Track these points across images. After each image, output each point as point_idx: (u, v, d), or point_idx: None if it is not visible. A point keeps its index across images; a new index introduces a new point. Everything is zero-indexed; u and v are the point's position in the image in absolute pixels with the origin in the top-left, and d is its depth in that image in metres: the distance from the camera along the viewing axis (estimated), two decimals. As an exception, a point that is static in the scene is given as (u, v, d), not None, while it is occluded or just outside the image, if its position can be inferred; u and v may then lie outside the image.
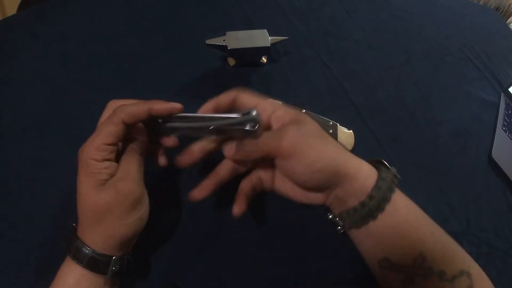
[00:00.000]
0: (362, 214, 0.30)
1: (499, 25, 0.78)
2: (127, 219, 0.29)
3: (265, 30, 0.51)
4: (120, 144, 0.31)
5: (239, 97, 0.34)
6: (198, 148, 0.34)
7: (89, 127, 0.44)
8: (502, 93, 0.62)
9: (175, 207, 0.40)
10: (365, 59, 0.60)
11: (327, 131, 0.46)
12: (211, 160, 0.37)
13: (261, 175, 0.34)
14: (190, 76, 0.51)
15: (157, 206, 0.40)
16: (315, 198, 0.33)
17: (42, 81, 0.48)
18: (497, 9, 1.44)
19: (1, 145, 0.42)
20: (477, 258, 0.42)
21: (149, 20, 0.58)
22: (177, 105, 0.32)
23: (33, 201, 0.39)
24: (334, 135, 0.46)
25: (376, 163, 0.33)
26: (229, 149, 0.33)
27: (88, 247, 0.28)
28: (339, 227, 0.33)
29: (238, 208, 0.33)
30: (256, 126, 0.30)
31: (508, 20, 1.44)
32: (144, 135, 0.33)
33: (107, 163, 0.29)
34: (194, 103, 0.50)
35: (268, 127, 0.33)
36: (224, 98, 0.34)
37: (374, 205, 0.29)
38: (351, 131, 0.48)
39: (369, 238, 0.32)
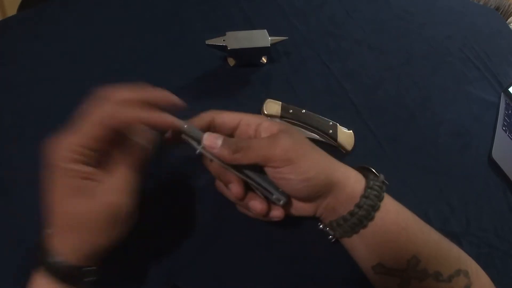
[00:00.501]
0: (351, 223, 0.30)
1: (499, 25, 0.78)
2: (109, 232, 0.27)
3: (265, 30, 0.51)
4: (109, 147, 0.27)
5: (217, 118, 0.33)
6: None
7: (89, 127, 0.45)
8: (502, 93, 0.62)
9: (175, 207, 0.40)
10: (365, 59, 0.60)
11: (327, 131, 0.46)
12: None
13: None
14: (190, 76, 0.51)
15: (157, 206, 0.40)
16: (306, 209, 0.33)
17: (42, 81, 0.48)
18: (497, 9, 1.44)
19: (1, 145, 0.42)
20: (477, 258, 0.43)
21: (149, 20, 0.58)
22: (179, 123, 0.30)
23: (33, 201, 0.39)
24: (334, 135, 0.46)
25: (364, 171, 0.33)
26: (225, 151, 0.32)
27: (60, 257, 0.26)
28: (330, 236, 0.34)
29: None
30: (281, 201, 0.32)
31: (508, 20, 1.44)
32: (149, 142, 0.30)
33: (86, 168, 0.26)
34: (194, 103, 0.50)
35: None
36: (198, 121, 0.32)
37: (363, 214, 0.29)
38: (351, 131, 0.48)
39: (361, 245, 0.32)
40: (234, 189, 0.31)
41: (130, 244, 0.37)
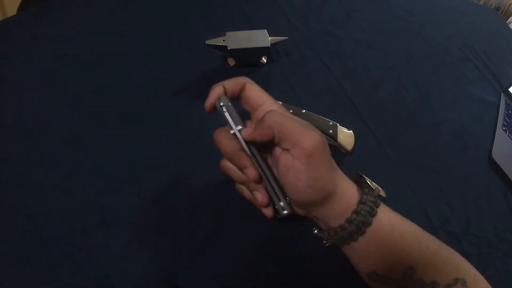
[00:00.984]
0: (341, 236, 0.30)
1: (499, 25, 0.78)
2: None
3: (265, 30, 0.51)
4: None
5: (246, 91, 0.33)
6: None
7: (89, 127, 0.45)
8: (502, 93, 0.62)
9: (175, 207, 0.40)
10: (365, 59, 0.60)
11: (327, 131, 0.46)
12: (211, 160, 0.37)
13: None
14: (190, 76, 0.51)
15: (157, 206, 0.40)
16: (297, 210, 0.33)
17: (42, 81, 0.48)
18: (497, 9, 1.44)
19: (1, 145, 0.42)
20: (477, 258, 0.43)
21: (149, 20, 0.58)
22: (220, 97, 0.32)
23: (33, 201, 0.39)
24: (334, 135, 0.46)
25: (361, 180, 0.33)
26: (247, 130, 0.31)
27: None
28: (324, 241, 0.34)
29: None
30: (284, 211, 0.33)
31: (508, 20, 1.44)
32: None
33: None
34: (194, 103, 0.50)
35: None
36: (232, 85, 0.32)
37: (352, 229, 0.29)
38: (351, 131, 0.48)
39: (353, 254, 0.32)
40: (250, 173, 0.31)
41: (131, 244, 0.37)
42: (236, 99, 0.34)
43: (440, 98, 0.58)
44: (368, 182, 0.32)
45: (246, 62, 0.54)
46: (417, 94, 0.58)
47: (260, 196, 0.32)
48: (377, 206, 0.30)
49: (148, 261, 0.36)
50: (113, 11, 0.58)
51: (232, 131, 0.31)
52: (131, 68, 0.51)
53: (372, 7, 0.70)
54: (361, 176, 0.33)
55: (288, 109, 0.46)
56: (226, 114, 0.31)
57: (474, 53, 0.67)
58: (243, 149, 0.31)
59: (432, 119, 0.55)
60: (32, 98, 0.46)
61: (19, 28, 0.54)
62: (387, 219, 0.30)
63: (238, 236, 0.39)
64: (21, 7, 0.75)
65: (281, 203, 0.32)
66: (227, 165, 0.34)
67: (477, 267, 0.32)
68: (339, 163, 0.47)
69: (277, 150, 0.31)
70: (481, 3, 1.34)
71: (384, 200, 0.32)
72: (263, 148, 0.32)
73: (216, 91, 0.32)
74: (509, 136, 0.56)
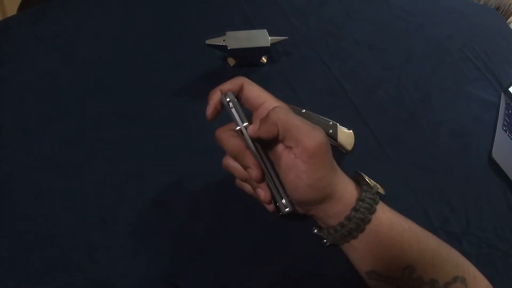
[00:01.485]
0: (341, 233, 0.30)
1: (499, 25, 0.78)
2: None
3: (265, 30, 0.51)
4: None
5: (245, 90, 0.32)
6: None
7: (89, 127, 0.45)
8: (502, 93, 0.62)
9: (175, 207, 0.40)
10: (365, 59, 0.60)
11: (327, 131, 0.46)
12: (211, 160, 0.37)
13: None
14: (190, 76, 0.51)
15: (157, 206, 0.40)
16: (296, 208, 0.33)
17: (42, 81, 0.48)
18: (497, 9, 1.44)
19: (1, 145, 0.42)
20: (477, 258, 0.43)
21: (149, 20, 0.58)
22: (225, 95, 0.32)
23: (33, 201, 0.39)
24: (334, 135, 0.46)
25: (359, 177, 0.33)
26: (253, 127, 0.31)
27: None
28: (324, 240, 0.34)
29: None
30: (286, 209, 0.33)
31: (508, 20, 1.44)
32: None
33: None
34: (194, 103, 0.50)
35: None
36: (229, 87, 0.32)
37: (352, 227, 0.29)
38: (351, 131, 0.48)
39: (353, 253, 0.32)
40: (253, 172, 0.31)
41: (131, 244, 0.37)
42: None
43: (440, 98, 0.58)
44: (366, 179, 0.32)
45: (246, 62, 0.54)
46: (417, 94, 0.58)
47: (262, 193, 0.32)
48: (376, 203, 0.30)
49: (148, 261, 0.36)
50: (113, 11, 0.58)
51: (237, 128, 0.31)
52: (131, 68, 0.51)
53: (372, 7, 0.70)
54: (359, 174, 0.33)
55: (288, 109, 0.46)
56: (233, 110, 0.31)
57: (474, 53, 0.67)
58: (247, 147, 0.31)
59: (432, 119, 0.55)
60: (32, 98, 0.46)
61: (19, 28, 0.54)
62: (386, 218, 0.31)
63: (238, 236, 0.39)
64: (21, 7, 0.75)
65: (283, 201, 0.32)
66: (230, 163, 0.34)
67: (477, 267, 0.32)
68: (339, 163, 0.47)
69: (280, 147, 0.31)
70: (481, 3, 1.34)
71: (382, 197, 0.32)
72: (266, 145, 0.32)
73: (216, 96, 0.32)
74: (509, 136, 0.56)
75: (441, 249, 0.31)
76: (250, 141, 0.31)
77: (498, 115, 0.58)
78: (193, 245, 0.38)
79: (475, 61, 0.66)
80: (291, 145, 0.29)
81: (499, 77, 0.64)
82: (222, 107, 0.32)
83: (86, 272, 0.35)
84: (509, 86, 0.62)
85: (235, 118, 0.31)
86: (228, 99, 0.31)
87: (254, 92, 0.32)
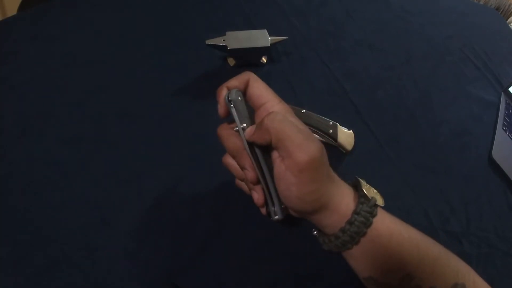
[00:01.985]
0: (335, 245, 0.30)
1: (499, 25, 0.78)
2: None
3: (265, 30, 0.51)
4: None
5: (249, 87, 0.31)
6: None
7: (89, 127, 0.45)
8: (502, 93, 0.62)
9: (175, 207, 0.40)
10: (365, 59, 0.60)
11: (327, 131, 0.46)
12: (211, 160, 0.37)
13: None
14: (190, 76, 0.51)
15: (157, 206, 0.40)
16: (293, 213, 0.33)
17: (42, 81, 0.48)
18: (497, 9, 1.44)
19: (1, 145, 0.42)
20: (477, 258, 0.43)
21: (149, 20, 0.58)
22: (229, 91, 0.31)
23: (33, 201, 0.39)
24: (334, 135, 0.46)
25: (358, 188, 0.31)
26: (249, 130, 0.31)
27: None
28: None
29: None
30: (276, 217, 0.32)
31: (508, 20, 1.44)
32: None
33: None
34: (194, 103, 0.50)
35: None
36: (236, 83, 0.31)
37: (346, 239, 0.29)
38: (351, 131, 0.48)
39: (350, 259, 0.31)
40: (248, 174, 0.31)
41: (131, 244, 0.37)
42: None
43: (440, 98, 0.58)
44: (364, 191, 0.30)
45: (246, 62, 0.54)
46: (417, 94, 0.58)
47: (256, 196, 0.32)
48: (373, 216, 0.29)
49: (148, 261, 0.36)
50: (113, 11, 0.58)
51: (235, 128, 0.31)
52: (131, 68, 0.51)
53: (372, 7, 0.70)
54: (359, 182, 0.32)
55: (288, 109, 0.46)
56: (233, 110, 0.30)
57: (474, 53, 0.67)
58: (245, 150, 0.31)
59: (432, 119, 0.55)
60: (32, 98, 0.46)
61: (19, 28, 0.54)
62: (385, 228, 0.30)
63: (238, 236, 0.39)
64: (21, 7, 0.75)
65: (274, 208, 0.32)
66: (229, 161, 0.33)
67: (477, 267, 0.32)
68: (339, 163, 0.47)
69: (275, 154, 0.30)
70: (481, 3, 1.34)
71: (381, 207, 0.31)
72: (267, 148, 0.31)
73: (223, 93, 0.31)
74: (509, 136, 0.56)
75: (441, 256, 0.31)
76: (246, 143, 0.30)
77: (498, 115, 0.58)
78: (193, 245, 0.38)
79: (475, 61, 0.66)
80: (283, 155, 0.28)
81: (499, 77, 0.64)
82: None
83: (86, 272, 0.35)
84: (509, 86, 0.62)
85: (235, 118, 0.31)
86: (230, 99, 0.30)
87: (258, 90, 0.31)
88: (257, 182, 0.32)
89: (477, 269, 0.31)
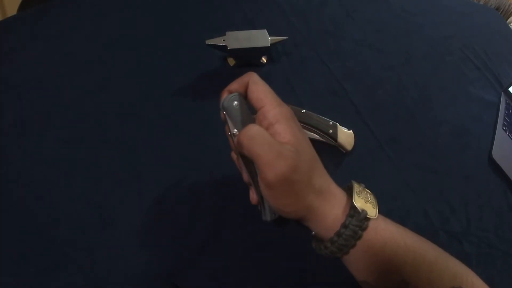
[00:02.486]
0: (325, 253, 0.30)
1: (499, 25, 0.78)
2: None
3: (265, 30, 0.51)
4: None
5: (249, 90, 0.31)
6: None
7: (89, 127, 0.45)
8: (502, 93, 0.62)
9: (175, 207, 0.40)
10: (365, 59, 0.60)
11: (327, 131, 0.46)
12: (212, 160, 0.38)
13: None
14: (190, 76, 0.51)
15: (157, 206, 0.40)
16: None
17: (42, 81, 0.48)
18: (497, 9, 1.44)
19: (1, 145, 0.42)
20: (477, 258, 0.43)
21: (149, 20, 0.58)
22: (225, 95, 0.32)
23: (33, 201, 0.39)
24: (334, 135, 0.46)
25: (351, 196, 0.30)
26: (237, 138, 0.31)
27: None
28: None
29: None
30: (266, 217, 0.34)
31: (508, 20, 1.44)
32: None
33: None
34: (194, 103, 0.50)
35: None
36: (237, 87, 0.31)
37: (333, 250, 0.29)
38: (351, 131, 0.48)
39: (345, 263, 0.31)
40: (243, 175, 0.34)
41: (131, 244, 0.37)
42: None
43: (440, 97, 0.58)
44: (355, 202, 0.29)
45: (246, 62, 0.54)
46: (417, 94, 0.58)
47: (251, 195, 0.34)
48: (363, 230, 0.28)
49: (148, 261, 0.36)
50: (113, 11, 0.58)
51: (229, 133, 0.32)
52: (131, 68, 0.51)
53: (372, 7, 0.70)
54: (352, 189, 0.31)
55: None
56: (227, 117, 0.31)
57: (474, 53, 0.67)
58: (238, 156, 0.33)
59: (432, 119, 0.55)
60: (32, 98, 0.46)
61: (19, 28, 0.54)
62: (379, 238, 0.29)
63: (238, 236, 0.39)
64: (21, 7, 0.75)
65: (266, 209, 0.33)
66: (234, 157, 0.36)
67: (477, 267, 0.32)
68: (339, 163, 0.47)
69: None
70: (481, 3, 1.34)
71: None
72: None
73: (223, 97, 0.32)
74: (509, 136, 0.56)
75: (438, 261, 0.30)
76: (236, 150, 0.32)
77: (498, 115, 0.58)
78: (193, 245, 0.38)
79: (475, 61, 0.66)
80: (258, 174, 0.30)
81: (499, 77, 0.64)
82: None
83: (86, 272, 0.35)
84: (509, 86, 0.62)
85: (229, 124, 0.31)
86: (224, 104, 0.31)
87: (256, 93, 0.31)
88: (249, 184, 0.33)
89: (477, 269, 0.31)
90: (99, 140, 0.44)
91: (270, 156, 0.27)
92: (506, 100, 0.61)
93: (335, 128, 0.46)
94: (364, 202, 0.30)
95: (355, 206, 0.29)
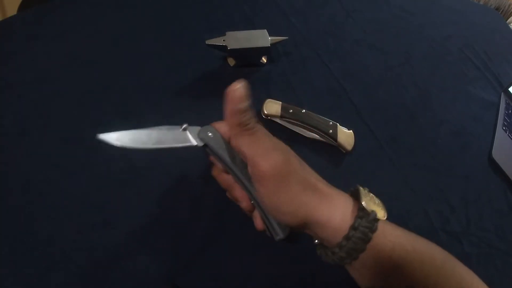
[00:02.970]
0: (332, 259, 0.29)
1: (499, 25, 0.78)
2: None
3: (265, 30, 0.51)
4: None
5: (236, 141, 0.30)
6: None
7: (89, 127, 0.45)
8: (502, 93, 0.62)
9: (175, 208, 0.40)
10: (365, 59, 0.60)
11: (327, 131, 0.46)
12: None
13: None
14: (190, 76, 0.51)
15: (157, 206, 0.40)
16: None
17: (42, 81, 0.48)
18: (497, 9, 1.44)
19: (1, 145, 0.42)
20: (477, 258, 0.43)
21: (149, 20, 0.58)
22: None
23: (33, 201, 0.39)
24: (334, 135, 0.46)
25: (359, 199, 0.30)
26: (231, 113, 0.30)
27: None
28: None
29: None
30: (277, 237, 0.31)
31: (508, 20, 1.44)
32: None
33: None
34: (194, 103, 0.50)
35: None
36: (224, 130, 0.31)
37: (342, 255, 0.28)
38: (351, 131, 0.48)
39: (351, 271, 0.31)
40: (243, 204, 0.33)
41: (131, 244, 0.37)
42: None
43: (440, 97, 0.58)
44: (363, 203, 0.28)
45: (246, 62, 0.54)
46: (417, 94, 0.58)
47: (255, 221, 0.33)
48: (373, 232, 0.27)
49: (148, 261, 0.36)
50: (113, 11, 0.58)
51: (197, 145, 0.31)
52: (131, 68, 0.51)
53: (372, 7, 0.70)
54: (358, 192, 0.30)
55: (288, 109, 0.46)
56: (208, 151, 0.31)
57: (474, 53, 0.67)
58: (235, 181, 0.32)
59: (432, 119, 0.55)
60: (32, 98, 0.46)
61: (19, 28, 0.54)
62: (387, 242, 0.28)
63: (238, 236, 0.39)
64: (21, 7, 0.75)
65: (275, 228, 0.31)
66: (216, 174, 0.35)
67: (477, 267, 0.32)
68: (339, 163, 0.47)
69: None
70: (481, 3, 1.34)
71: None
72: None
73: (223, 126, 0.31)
74: (509, 136, 0.56)
75: (445, 266, 0.30)
76: (237, 173, 0.30)
77: (498, 115, 0.58)
78: (193, 245, 0.38)
79: (475, 61, 0.66)
80: (250, 171, 0.29)
81: (499, 77, 0.64)
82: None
83: (86, 272, 0.35)
84: (509, 86, 0.62)
85: (219, 158, 0.31)
86: (201, 138, 0.30)
87: (244, 148, 0.30)
88: (252, 209, 0.32)
89: (477, 269, 0.31)
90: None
91: (264, 148, 0.28)
92: (506, 100, 0.61)
93: (335, 128, 0.46)
94: (372, 204, 0.29)
95: (363, 207, 0.28)
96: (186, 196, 0.41)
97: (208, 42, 0.49)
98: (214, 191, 0.41)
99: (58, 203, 0.39)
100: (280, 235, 0.31)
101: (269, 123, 0.48)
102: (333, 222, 0.28)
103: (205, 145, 0.31)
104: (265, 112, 0.47)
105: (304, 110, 0.47)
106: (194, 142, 0.31)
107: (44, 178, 0.40)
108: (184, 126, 0.31)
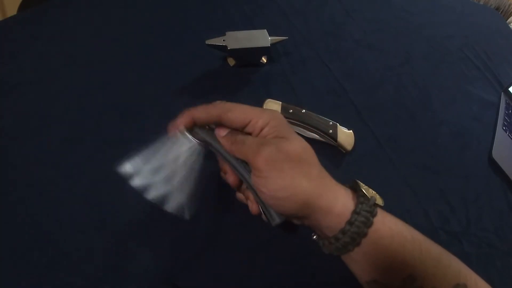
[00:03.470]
0: (336, 247, 0.29)
1: (499, 25, 0.78)
2: None
3: (265, 30, 0.51)
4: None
5: (226, 120, 0.32)
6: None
7: (89, 127, 0.45)
8: (502, 93, 0.62)
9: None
10: (365, 59, 0.60)
11: (327, 131, 0.46)
12: (211, 160, 0.37)
13: None
14: (190, 76, 0.51)
15: (157, 206, 0.40)
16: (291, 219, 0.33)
17: (42, 81, 0.48)
18: (497, 9, 1.44)
19: (1, 145, 0.42)
20: (477, 258, 0.43)
21: (149, 20, 0.58)
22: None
23: (33, 201, 0.39)
24: (334, 135, 0.46)
25: (357, 188, 0.31)
26: (225, 140, 0.33)
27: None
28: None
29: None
30: (274, 222, 0.32)
31: (508, 20, 1.44)
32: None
33: None
34: (194, 103, 0.50)
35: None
36: (204, 118, 0.33)
37: (347, 240, 0.28)
38: (351, 131, 0.48)
39: (352, 264, 0.31)
40: (229, 178, 0.35)
41: (130, 244, 0.37)
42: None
43: (440, 98, 0.58)
44: (363, 190, 0.30)
45: (246, 62, 0.54)
46: (417, 94, 0.58)
47: (250, 205, 0.34)
48: (373, 216, 0.29)
49: (148, 261, 0.36)
50: (113, 11, 0.58)
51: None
52: (131, 68, 0.51)
53: (372, 7, 0.70)
54: (357, 184, 0.32)
55: (288, 109, 0.46)
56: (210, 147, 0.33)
57: (474, 53, 0.67)
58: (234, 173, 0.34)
59: (432, 119, 0.55)
60: (32, 98, 0.46)
61: (19, 28, 0.54)
62: (387, 229, 0.29)
63: (238, 236, 0.39)
64: (21, 7, 0.75)
65: (272, 213, 0.32)
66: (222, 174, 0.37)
67: (477, 267, 0.32)
68: (339, 163, 0.47)
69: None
70: (481, 3, 1.34)
71: (381, 207, 0.31)
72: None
73: (184, 119, 0.34)
74: (509, 136, 0.56)
75: (443, 258, 0.31)
76: (231, 160, 0.33)
77: (498, 115, 0.58)
78: (193, 246, 0.38)
79: (475, 61, 0.66)
80: (249, 165, 0.31)
81: (499, 77, 0.64)
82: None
83: (86, 272, 0.35)
84: (509, 86, 0.62)
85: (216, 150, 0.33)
86: (190, 135, 0.33)
87: (236, 117, 0.32)
88: (247, 197, 0.34)
89: (477, 269, 0.31)
90: (99, 140, 0.44)
91: (254, 147, 0.30)
92: (506, 100, 0.61)
93: (335, 128, 0.46)
94: (370, 193, 0.30)
95: (364, 193, 0.30)
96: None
97: (208, 42, 0.49)
98: (214, 191, 0.41)
99: (58, 203, 0.39)
100: (276, 219, 0.32)
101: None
102: (336, 208, 0.29)
103: (202, 141, 0.33)
104: (265, 112, 0.47)
105: (304, 110, 0.47)
106: (194, 141, 0.33)
107: (44, 178, 0.40)
108: (178, 131, 0.33)
